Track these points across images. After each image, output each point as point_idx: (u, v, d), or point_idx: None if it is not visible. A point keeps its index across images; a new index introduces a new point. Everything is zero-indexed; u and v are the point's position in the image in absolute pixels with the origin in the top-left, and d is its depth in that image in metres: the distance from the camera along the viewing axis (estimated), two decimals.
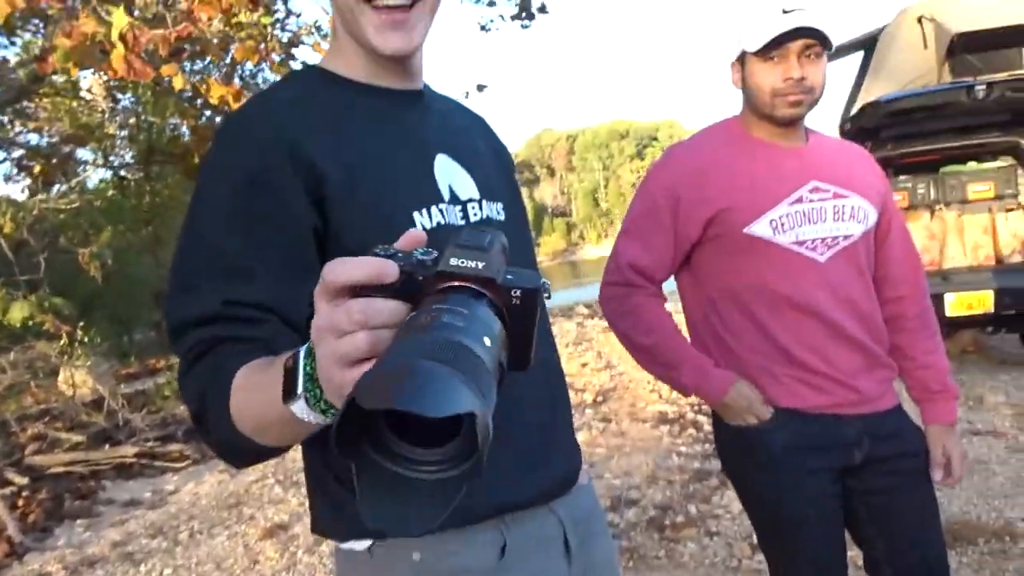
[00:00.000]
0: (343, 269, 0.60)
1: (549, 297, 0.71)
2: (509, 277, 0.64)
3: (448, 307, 0.58)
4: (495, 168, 1.19)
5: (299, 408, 0.67)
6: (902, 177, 6.51)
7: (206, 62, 6.25)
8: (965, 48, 6.40)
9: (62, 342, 7.17)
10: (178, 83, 3.51)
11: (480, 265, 0.63)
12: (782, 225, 1.58)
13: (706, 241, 1.64)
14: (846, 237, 1.62)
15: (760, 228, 1.58)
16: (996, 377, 5.81)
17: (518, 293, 0.64)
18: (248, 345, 0.83)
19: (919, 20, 7.07)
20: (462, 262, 0.63)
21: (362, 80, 1.05)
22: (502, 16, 6.92)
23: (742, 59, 1.62)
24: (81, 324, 8.05)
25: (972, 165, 6.61)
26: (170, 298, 0.91)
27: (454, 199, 1.05)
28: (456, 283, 0.62)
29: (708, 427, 4.84)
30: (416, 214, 0.98)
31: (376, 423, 0.54)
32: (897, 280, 1.73)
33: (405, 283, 0.61)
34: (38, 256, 6.80)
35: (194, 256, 0.92)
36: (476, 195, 1.08)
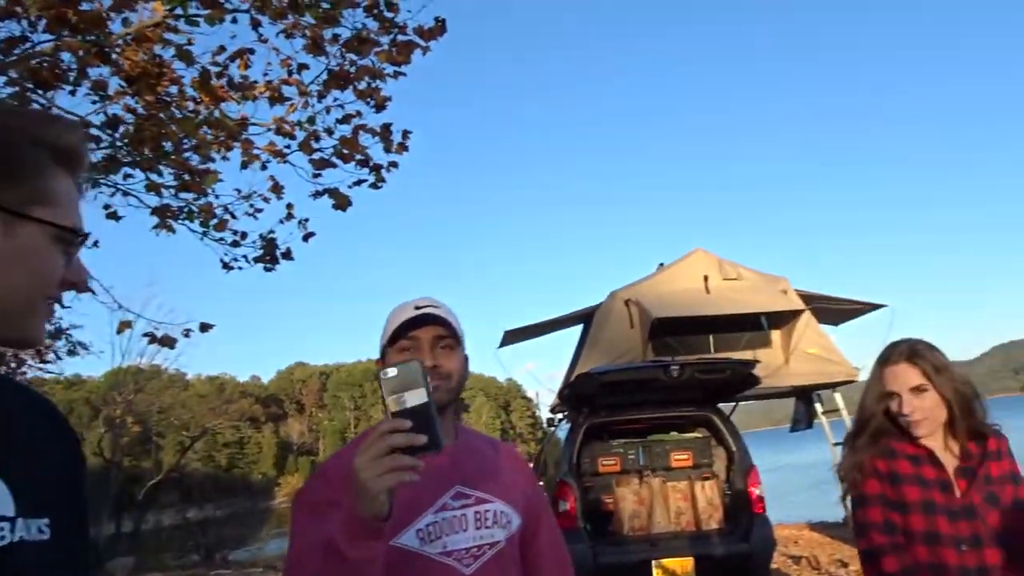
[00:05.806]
0: None
1: None
2: None
3: None
4: (53, 465, 0.96)
5: None
6: (615, 443, 6.96)
7: None
8: (663, 331, 7.27)
9: None
10: None
11: None
12: (429, 535, 1.50)
13: None
14: (492, 545, 1.56)
15: (408, 539, 1.49)
16: None
17: None
18: None
19: (626, 303, 8.00)
20: None
21: None
22: (246, 256, 6.69)
23: (384, 356, 1.60)
24: None
25: (674, 434, 7.23)
26: None
27: None
28: None
29: None
30: None
31: None
32: None
33: None
34: None
35: None
36: (10, 511, 0.86)
